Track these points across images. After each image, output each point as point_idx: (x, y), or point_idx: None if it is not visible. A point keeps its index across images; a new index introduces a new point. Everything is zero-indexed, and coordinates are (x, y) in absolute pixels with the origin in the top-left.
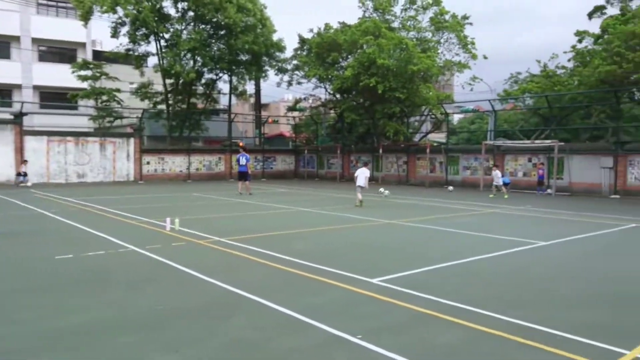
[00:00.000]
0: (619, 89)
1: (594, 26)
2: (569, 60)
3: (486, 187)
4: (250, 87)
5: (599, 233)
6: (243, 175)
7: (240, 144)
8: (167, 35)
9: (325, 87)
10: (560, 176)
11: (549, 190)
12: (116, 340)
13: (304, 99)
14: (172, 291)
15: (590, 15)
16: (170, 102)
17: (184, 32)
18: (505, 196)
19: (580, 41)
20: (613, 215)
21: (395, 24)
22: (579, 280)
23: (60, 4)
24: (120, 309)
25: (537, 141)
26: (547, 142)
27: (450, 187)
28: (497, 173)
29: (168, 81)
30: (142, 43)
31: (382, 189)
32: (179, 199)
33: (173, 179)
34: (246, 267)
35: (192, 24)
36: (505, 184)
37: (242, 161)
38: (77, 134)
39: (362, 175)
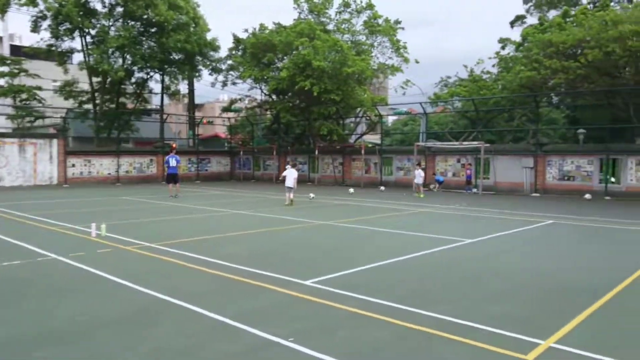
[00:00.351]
0: (538, 93)
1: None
2: (493, 65)
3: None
4: (183, 87)
5: (520, 230)
6: (173, 177)
7: (174, 145)
8: (93, 32)
9: (260, 88)
10: (486, 176)
11: (474, 190)
12: (31, 355)
13: (240, 99)
14: (95, 300)
15: (512, 24)
16: (97, 101)
17: (112, 28)
18: (421, 195)
19: (503, 48)
20: (533, 213)
21: (330, 27)
22: (500, 275)
23: None
24: (37, 321)
25: (465, 143)
26: (474, 144)
27: (382, 187)
28: (419, 172)
29: (95, 79)
30: (66, 39)
31: (311, 194)
32: (107, 203)
33: (101, 182)
34: (176, 273)
35: (120, 20)
36: (439, 182)
37: (172, 162)
38: None
39: (291, 176)
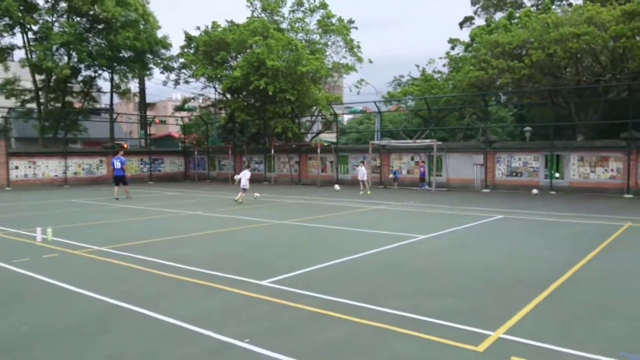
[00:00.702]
0: (486, 92)
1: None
2: (444, 65)
3: (372, 185)
4: (134, 86)
5: (471, 225)
6: (119, 180)
7: (125, 146)
8: (35, 27)
9: (214, 87)
10: (439, 173)
11: (427, 187)
12: None
13: (193, 98)
14: (41, 308)
15: (461, 25)
16: (41, 100)
17: (56, 24)
18: (369, 192)
19: (453, 48)
20: (484, 208)
21: (284, 25)
22: (451, 270)
23: None
24: None
25: (418, 141)
26: (427, 142)
27: (337, 186)
28: (361, 169)
29: (38, 77)
30: (5, 35)
31: (256, 194)
32: (54, 206)
33: (47, 185)
34: (127, 277)
35: (65, 16)
36: (395, 179)
37: (117, 164)
38: None
39: (244, 177)
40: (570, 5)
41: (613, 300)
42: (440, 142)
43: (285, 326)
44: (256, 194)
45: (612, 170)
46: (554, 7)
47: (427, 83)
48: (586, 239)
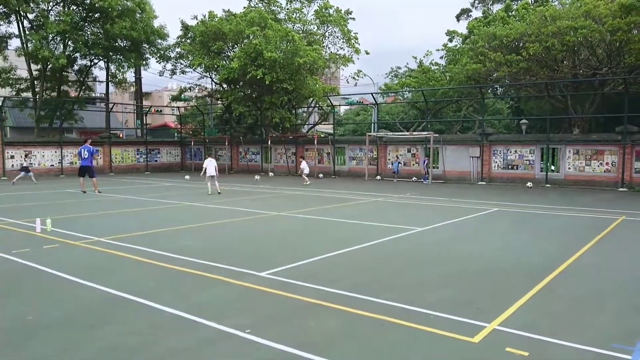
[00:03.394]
0: (483, 85)
1: (463, 27)
2: (441, 57)
3: (370, 176)
4: (130, 75)
5: (467, 217)
6: (84, 171)
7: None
8: (31, 16)
9: (211, 77)
10: (435, 165)
11: (423, 181)
12: None
13: (190, 88)
14: (43, 299)
15: (458, 17)
16: (37, 89)
17: (52, 13)
18: (308, 183)
19: (450, 40)
20: (480, 201)
21: (281, 16)
22: (448, 262)
23: None
24: None
25: (415, 133)
26: (424, 134)
27: (257, 177)
28: (304, 163)
29: (34, 67)
30: (2, 23)
31: (256, 176)
32: (51, 197)
33: (44, 175)
34: (128, 267)
35: (61, 4)
36: (394, 172)
37: (84, 154)
38: None
39: (211, 165)
40: None
41: (607, 293)
42: (436, 135)
43: (284, 317)
44: (257, 177)
45: (607, 163)
46: None
47: (424, 75)
48: (580, 232)
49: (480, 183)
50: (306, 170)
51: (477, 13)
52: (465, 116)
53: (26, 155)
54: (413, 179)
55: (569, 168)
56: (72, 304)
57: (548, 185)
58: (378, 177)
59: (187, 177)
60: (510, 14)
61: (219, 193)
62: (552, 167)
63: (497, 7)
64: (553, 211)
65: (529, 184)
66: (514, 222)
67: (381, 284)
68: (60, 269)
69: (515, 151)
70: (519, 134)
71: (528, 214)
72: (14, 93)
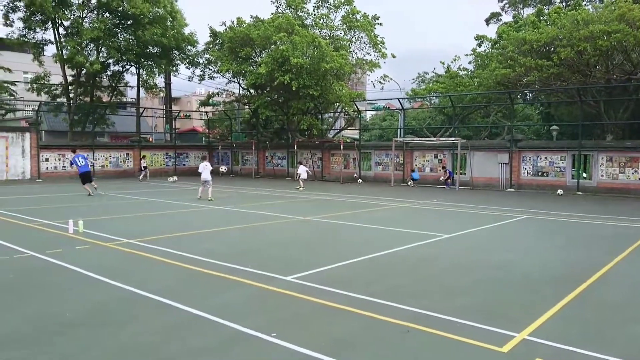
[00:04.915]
0: (512, 90)
1: (491, 31)
2: (469, 62)
3: (396, 182)
4: (160, 81)
5: (495, 225)
6: (87, 177)
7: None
8: (66, 23)
9: (238, 82)
10: (462, 171)
11: (445, 187)
12: (2, 355)
13: (218, 93)
14: (73, 297)
15: (487, 21)
16: (71, 95)
17: (86, 20)
18: (301, 188)
19: (479, 45)
20: (509, 208)
21: (308, 21)
22: (474, 269)
23: None
24: (9, 319)
25: (442, 138)
26: (451, 140)
27: (171, 178)
28: (302, 168)
29: (69, 72)
30: (39, 30)
31: (171, 178)
32: (83, 199)
33: (75, 177)
34: (155, 268)
35: (95, 11)
36: (413, 179)
37: (81, 162)
38: None
39: (207, 170)
40: (601, 1)
41: None
42: (464, 140)
43: (306, 320)
44: (301, 184)
45: None
46: (584, 3)
47: (452, 80)
48: (613, 241)
49: (509, 190)
50: (303, 175)
51: (507, 17)
52: (493, 122)
53: (143, 157)
54: (441, 179)
55: (602, 175)
56: (99, 302)
57: (580, 193)
58: (410, 183)
59: (171, 178)
60: (541, 18)
61: (210, 199)
62: (584, 175)
63: (527, 11)
64: (585, 219)
65: (560, 192)
66: (544, 229)
67: (406, 290)
68: (91, 269)
69: (546, 158)
70: (549, 140)
71: (559, 222)
72: (49, 99)
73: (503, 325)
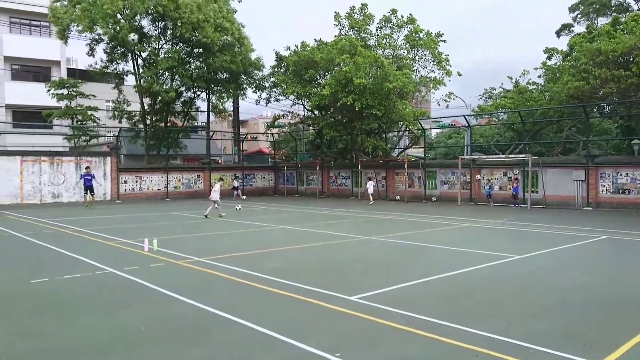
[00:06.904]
0: (587, 104)
1: (562, 44)
2: (539, 76)
3: (463, 201)
4: (228, 105)
5: (571, 245)
6: (91, 188)
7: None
8: (144, 54)
9: (303, 104)
10: (534, 189)
11: (518, 205)
12: None
13: (283, 115)
14: (149, 313)
15: (558, 33)
16: (147, 121)
17: (161, 50)
18: (371, 203)
19: (549, 58)
20: (586, 227)
21: (371, 42)
22: (551, 292)
23: (33, 23)
24: (88, 332)
25: (511, 155)
26: (521, 156)
27: (434, 198)
28: (371, 183)
29: (146, 100)
30: (120, 61)
31: (238, 207)
32: (158, 218)
33: (151, 198)
34: (225, 287)
35: (169, 42)
36: (488, 196)
37: (88, 177)
38: (51, 154)
39: (217, 190)
40: None
41: None
42: (535, 157)
43: (369, 341)
44: (238, 207)
45: None
46: None
47: (521, 95)
48: None
49: (585, 208)
50: (370, 190)
51: (579, 28)
52: (567, 137)
53: (235, 177)
54: (518, 204)
55: None
56: (174, 319)
57: None
58: (491, 203)
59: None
60: (617, 27)
61: (205, 216)
62: None
63: (602, 21)
64: None
65: None
66: (626, 251)
67: (475, 313)
68: (164, 286)
69: (627, 174)
70: (630, 155)
71: None
72: (129, 125)
73: (581, 353)
